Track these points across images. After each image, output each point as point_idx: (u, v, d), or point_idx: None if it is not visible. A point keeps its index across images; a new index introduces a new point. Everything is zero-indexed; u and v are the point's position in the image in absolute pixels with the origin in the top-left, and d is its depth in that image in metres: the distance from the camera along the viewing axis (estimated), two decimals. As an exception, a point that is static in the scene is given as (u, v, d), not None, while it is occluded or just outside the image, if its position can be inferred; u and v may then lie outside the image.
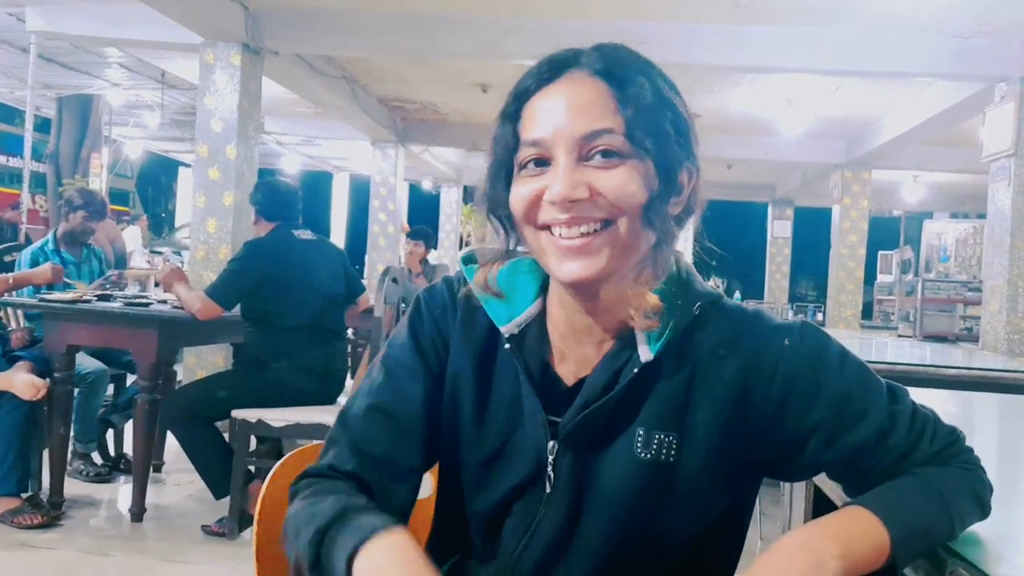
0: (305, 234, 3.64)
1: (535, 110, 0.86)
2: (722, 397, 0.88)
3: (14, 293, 3.94)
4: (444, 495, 1.01)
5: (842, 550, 0.75)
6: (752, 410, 0.88)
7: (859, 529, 0.78)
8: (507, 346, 0.92)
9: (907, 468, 0.86)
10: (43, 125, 11.25)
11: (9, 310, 4.00)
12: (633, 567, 0.89)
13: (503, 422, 0.92)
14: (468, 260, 0.97)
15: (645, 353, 0.87)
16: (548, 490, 0.90)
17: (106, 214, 4.66)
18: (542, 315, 0.93)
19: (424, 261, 6.46)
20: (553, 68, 0.87)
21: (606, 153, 0.83)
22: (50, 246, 4.24)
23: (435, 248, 5.77)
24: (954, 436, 0.90)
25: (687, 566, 0.91)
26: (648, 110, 0.84)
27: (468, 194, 14.67)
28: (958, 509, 0.82)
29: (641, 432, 0.87)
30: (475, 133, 10.02)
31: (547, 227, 0.85)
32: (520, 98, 0.88)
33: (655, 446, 0.87)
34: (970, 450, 0.90)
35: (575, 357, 0.92)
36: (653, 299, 0.86)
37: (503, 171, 0.89)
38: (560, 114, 0.84)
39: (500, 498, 0.92)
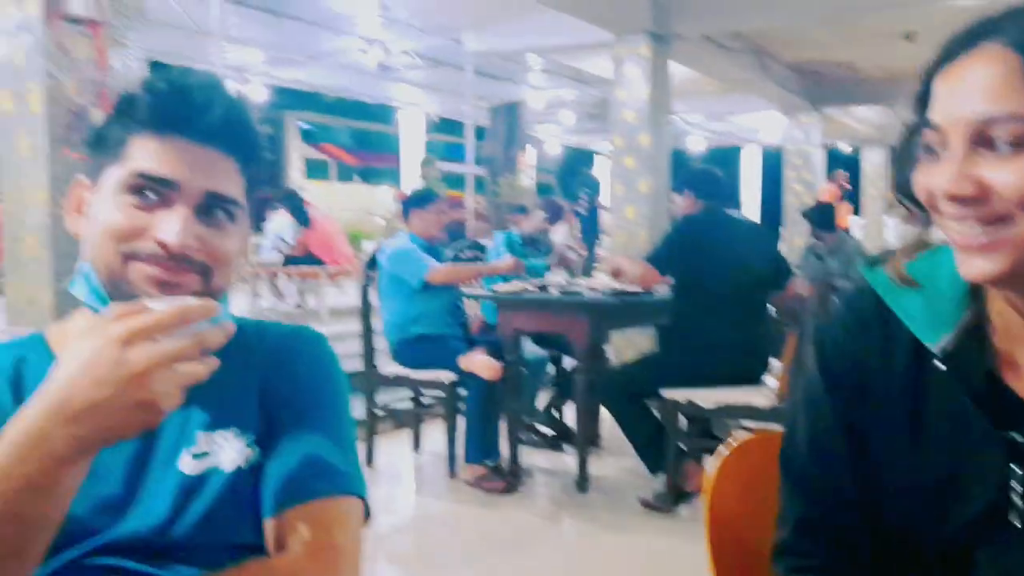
0: (737, 214, 3.73)
1: (937, 91, 0.72)
2: None
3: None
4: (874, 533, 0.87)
5: None
6: None
7: None
8: (942, 367, 0.78)
9: None
10: (479, 133, 12.67)
11: (468, 300, 4.61)
12: None
13: (946, 443, 0.79)
14: (873, 263, 0.85)
15: None
16: (1020, 524, 0.74)
17: (562, 216, 5.27)
18: (979, 317, 0.79)
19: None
20: (961, 40, 0.72)
21: (1016, 143, 0.66)
22: (518, 240, 4.94)
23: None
24: None
25: None
26: None
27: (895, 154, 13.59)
28: None
29: None
30: (899, 87, 9.20)
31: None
32: (927, 76, 0.75)
33: None
34: None
35: None
36: None
37: (906, 156, 0.76)
38: (959, 96, 0.69)
39: (950, 537, 0.78)
